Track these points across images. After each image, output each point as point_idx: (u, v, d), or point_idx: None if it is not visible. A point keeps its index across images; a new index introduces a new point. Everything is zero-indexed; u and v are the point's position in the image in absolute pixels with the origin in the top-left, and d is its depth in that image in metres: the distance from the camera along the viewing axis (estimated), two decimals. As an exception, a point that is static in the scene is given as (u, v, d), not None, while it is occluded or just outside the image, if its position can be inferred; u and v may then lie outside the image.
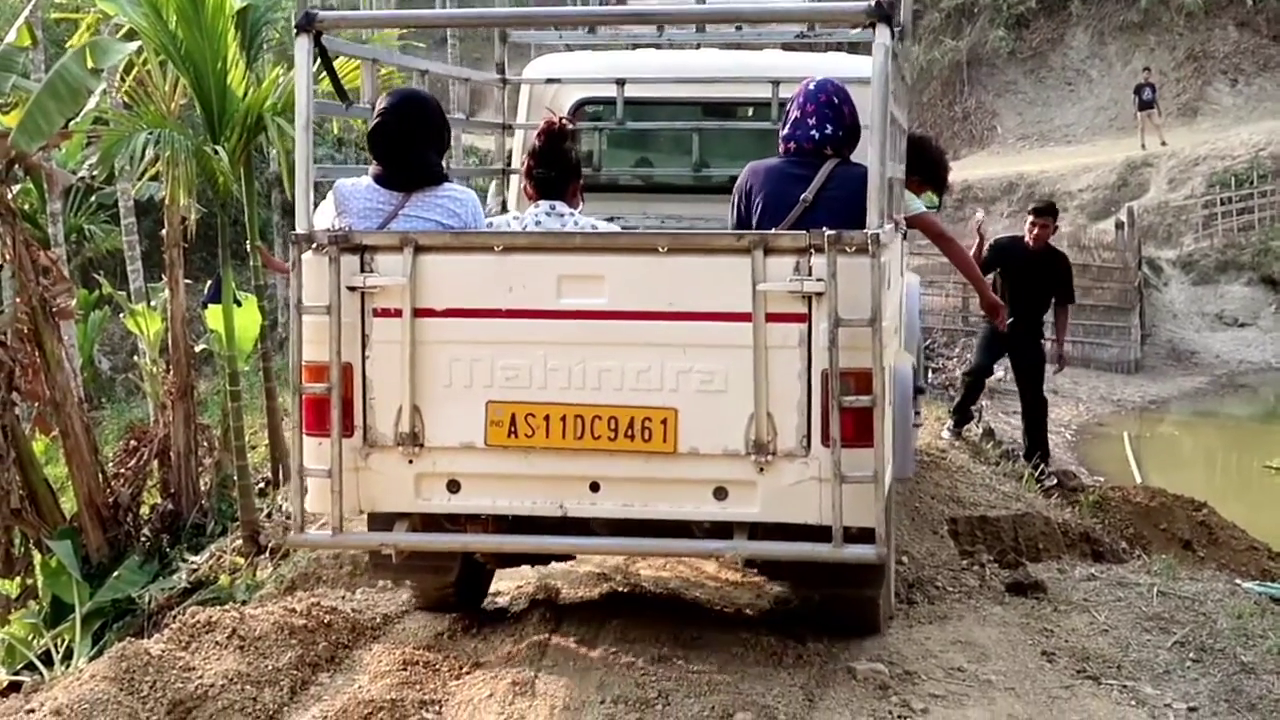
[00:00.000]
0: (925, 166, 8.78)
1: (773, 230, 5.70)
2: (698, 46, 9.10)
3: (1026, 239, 11.98)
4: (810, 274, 5.21)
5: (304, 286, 5.47)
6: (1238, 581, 8.29)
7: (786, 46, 9.43)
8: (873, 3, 5.19)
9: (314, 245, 5.46)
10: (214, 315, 12.37)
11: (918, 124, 41.62)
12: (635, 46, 9.20)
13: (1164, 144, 35.52)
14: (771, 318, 5.26)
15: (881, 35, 5.23)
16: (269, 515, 11.18)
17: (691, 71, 8.49)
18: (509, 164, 8.92)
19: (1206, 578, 7.91)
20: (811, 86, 6.16)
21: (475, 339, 5.51)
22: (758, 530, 5.55)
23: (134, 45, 11.03)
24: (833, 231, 5.15)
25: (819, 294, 5.19)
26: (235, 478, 10.91)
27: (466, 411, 5.51)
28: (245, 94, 10.52)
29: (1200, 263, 31.11)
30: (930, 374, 21.45)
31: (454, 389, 5.53)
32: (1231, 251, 31.19)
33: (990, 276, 11.75)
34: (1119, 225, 29.89)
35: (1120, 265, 28.53)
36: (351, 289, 5.46)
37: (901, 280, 7.67)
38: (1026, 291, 11.81)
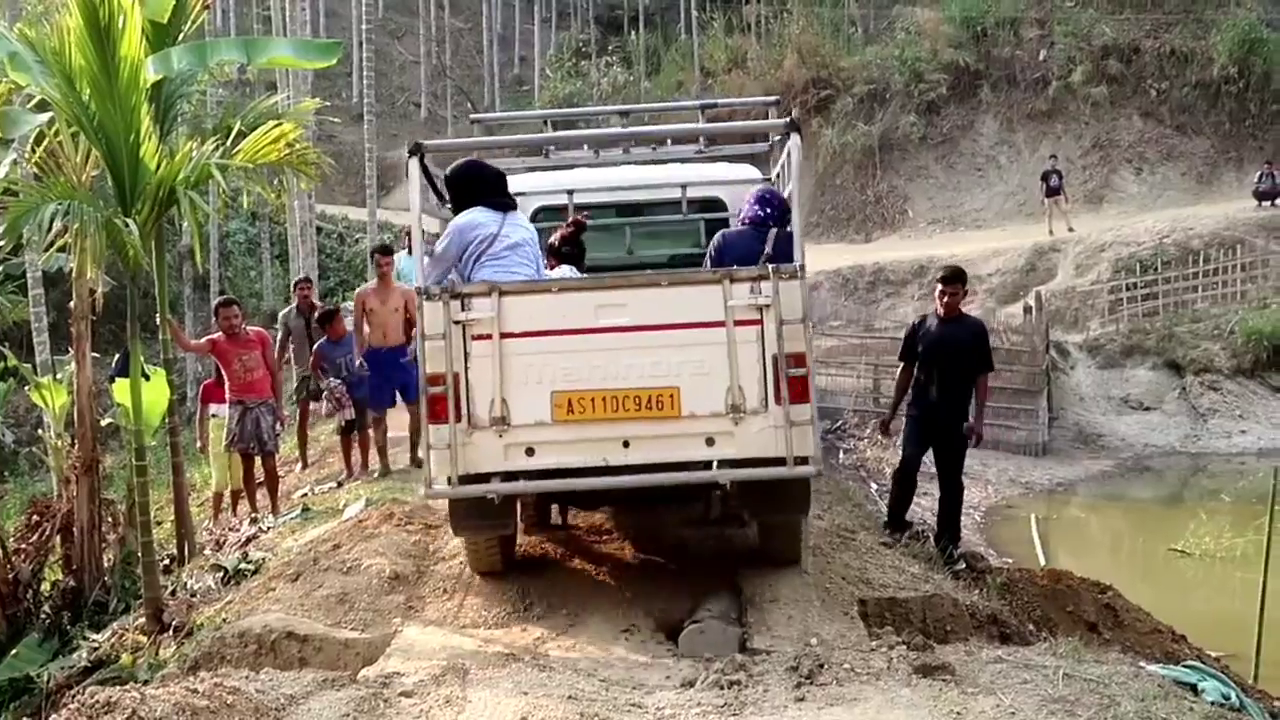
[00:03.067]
0: None
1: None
2: (626, 149, 11.58)
3: (937, 309, 11.76)
4: (761, 293, 8.11)
5: (426, 322, 8.23)
6: (1142, 664, 8.34)
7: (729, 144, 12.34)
8: (786, 120, 8.69)
9: (430, 296, 8.22)
10: (121, 389, 12.18)
11: (830, 206, 42.23)
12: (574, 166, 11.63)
13: (1071, 230, 36.02)
14: (738, 323, 8.12)
15: (795, 142, 8.59)
16: (173, 593, 10.99)
17: (621, 181, 11.00)
18: None
19: (1111, 660, 7.95)
20: (758, 190, 9.56)
21: (542, 350, 8.19)
22: (735, 464, 8.19)
23: (45, 116, 10.93)
24: (773, 265, 8.22)
25: (767, 305, 8.10)
26: (139, 554, 10.70)
27: (538, 399, 8.18)
28: (158, 167, 10.42)
29: (1106, 347, 31.44)
30: (840, 454, 21.56)
31: (528, 385, 8.18)
32: (1137, 336, 31.54)
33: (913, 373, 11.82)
34: (1027, 309, 30.16)
35: (1028, 349, 28.69)
36: (457, 322, 8.18)
37: None
38: (945, 366, 11.60)
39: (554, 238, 9.68)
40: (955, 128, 42.69)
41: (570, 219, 9.75)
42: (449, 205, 9.58)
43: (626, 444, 8.20)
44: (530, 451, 8.23)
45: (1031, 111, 41.80)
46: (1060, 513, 23.85)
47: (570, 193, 10.59)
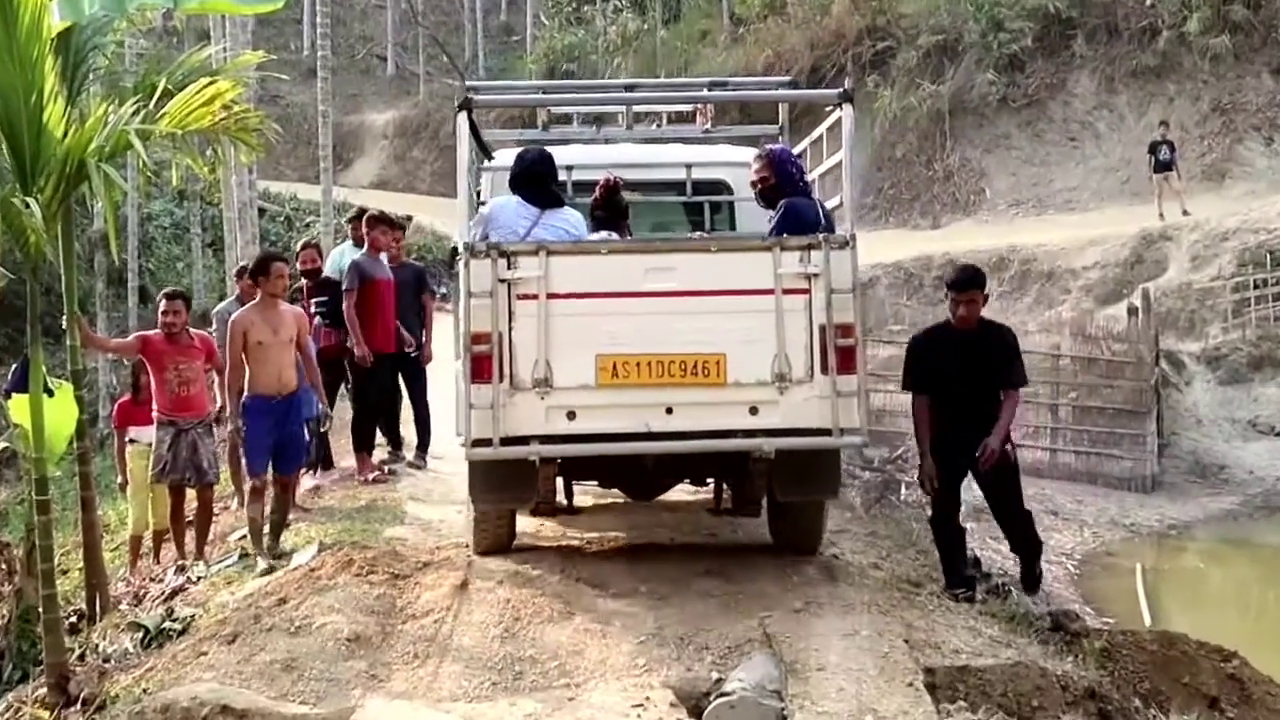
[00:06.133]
0: None
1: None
2: (629, 126, 13.30)
3: (951, 321, 11.44)
4: (811, 262, 9.70)
5: (472, 279, 9.66)
6: (1275, 749, 8.34)
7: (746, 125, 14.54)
8: (840, 90, 10.39)
9: (477, 254, 9.70)
10: (19, 406, 12.20)
11: (890, 184, 42.16)
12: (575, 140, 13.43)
13: (1186, 213, 35.69)
14: (786, 291, 9.69)
15: (847, 111, 10.16)
16: (81, 657, 10.99)
17: (623, 159, 12.32)
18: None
19: (1238, 745, 7.94)
20: (783, 151, 11.16)
21: (588, 312, 9.66)
22: (778, 435, 9.72)
23: (-74, 73, 10.96)
24: (824, 234, 9.92)
25: (816, 274, 9.68)
26: (40, 610, 10.73)
27: (582, 362, 9.67)
28: (65, 135, 10.44)
29: (1230, 358, 31.21)
30: (902, 489, 21.53)
31: (573, 347, 9.66)
32: (1267, 344, 31.19)
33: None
34: (1132, 311, 29.85)
35: (1133, 360, 28.47)
36: (503, 281, 9.62)
37: None
38: (973, 387, 11.32)
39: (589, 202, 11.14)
40: (1043, 88, 42.56)
41: (601, 181, 11.13)
42: (492, 162, 11.51)
43: (670, 410, 9.74)
44: (572, 415, 9.74)
45: (1137, 68, 41.55)
46: (1173, 562, 23.79)
47: (570, 169, 11.80)
